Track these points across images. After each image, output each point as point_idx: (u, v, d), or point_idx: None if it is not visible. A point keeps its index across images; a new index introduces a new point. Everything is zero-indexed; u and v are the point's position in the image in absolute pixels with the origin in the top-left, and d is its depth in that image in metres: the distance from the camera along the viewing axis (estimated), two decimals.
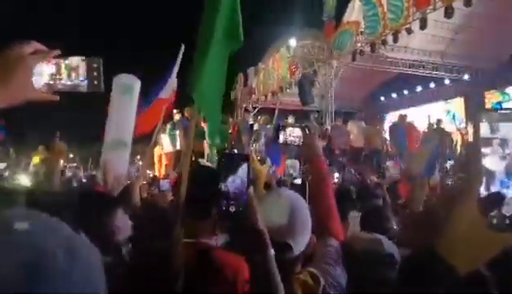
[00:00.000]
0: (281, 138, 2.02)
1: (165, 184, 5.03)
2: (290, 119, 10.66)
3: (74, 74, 0.97)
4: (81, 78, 0.97)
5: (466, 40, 12.07)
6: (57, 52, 0.95)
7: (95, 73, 0.98)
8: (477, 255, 0.54)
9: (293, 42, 13.10)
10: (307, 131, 1.87)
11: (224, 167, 1.14)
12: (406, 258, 0.63)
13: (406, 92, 16.40)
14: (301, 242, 1.29)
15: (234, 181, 1.12)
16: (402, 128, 10.34)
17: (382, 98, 17.69)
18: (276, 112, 9.39)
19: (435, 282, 0.54)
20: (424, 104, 15.17)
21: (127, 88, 2.59)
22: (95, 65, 0.99)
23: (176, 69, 4.88)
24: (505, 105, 12.75)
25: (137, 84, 2.62)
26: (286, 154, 8.61)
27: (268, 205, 1.33)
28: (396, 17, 9.97)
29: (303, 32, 13.20)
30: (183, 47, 4.51)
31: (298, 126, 1.97)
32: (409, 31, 9.90)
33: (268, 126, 10.22)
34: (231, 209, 1.10)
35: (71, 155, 16.07)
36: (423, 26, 9.47)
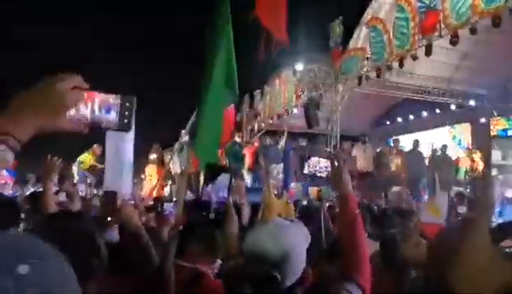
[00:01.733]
0: (307, 169, 2.01)
1: (169, 208, 5.02)
2: (302, 142, 10.78)
3: (105, 110, 0.95)
4: (113, 116, 0.95)
5: (472, 67, 12.19)
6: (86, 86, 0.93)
7: (126, 113, 0.96)
8: (488, 283, 0.54)
9: (299, 66, 13.29)
10: (336, 163, 1.69)
11: (207, 177, 1.19)
12: (421, 286, 0.63)
13: (411, 117, 16.45)
14: (290, 275, 1.26)
15: (215, 191, 1.19)
16: (418, 154, 10.33)
17: (387, 122, 17.75)
18: (285, 134, 9.52)
19: None
20: (430, 130, 15.19)
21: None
22: (127, 104, 0.96)
23: None
24: (510, 132, 12.74)
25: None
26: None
27: (261, 233, 1.30)
28: (402, 43, 10.11)
29: (309, 56, 13.39)
30: None
31: (325, 157, 1.96)
32: (414, 57, 10.02)
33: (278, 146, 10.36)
34: (210, 216, 1.15)
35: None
36: (428, 53, 9.59)
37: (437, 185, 6.19)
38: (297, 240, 1.32)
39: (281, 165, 10.23)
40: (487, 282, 0.55)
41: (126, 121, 0.96)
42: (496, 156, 11.27)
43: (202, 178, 8.31)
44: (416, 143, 10.77)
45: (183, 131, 9.54)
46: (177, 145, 9.69)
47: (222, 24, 1.86)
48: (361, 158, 10.50)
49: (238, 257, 1.16)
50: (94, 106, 0.95)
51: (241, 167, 9.42)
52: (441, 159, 10.44)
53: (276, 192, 5.97)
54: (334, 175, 1.66)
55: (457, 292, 0.54)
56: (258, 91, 16.25)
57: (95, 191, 11.49)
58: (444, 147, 11.22)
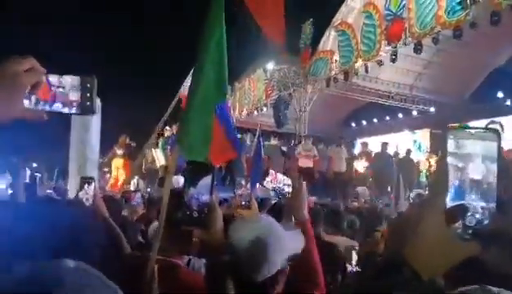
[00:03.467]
0: (268, 184, 2.00)
1: (137, 199, 5.02)
2: (274, 141, 10.99)
3: (65, 94, 0.89)
4: (73, 99, 0.89)
5: (433, 75, 12.78)
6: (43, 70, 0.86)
7: (88, 95, 0.89)
8: (442, 262, 0.58)
9: (270, 65, 13.47)
10: (297, 187, 1.71)
11: (190, 176, 1.18)
12: (377, 262, 0.68)
13: (375, 120, 17.00)
14: (262, 271, 1.28)
15: (198, 189, 1.17)
16: (387, 156, 10.72)
17: (353, 124, 18.26)
18: (258, 131, 9.68)
19: (400, 286, 0.56)
20: (392, 133, 15.76)
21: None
22: (88, 85, 0.90)
23: None
24: None
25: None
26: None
27: (240, 230, 1.33)
28: (368, 49, 10.48)
29: (280, 56, 13.59)
30: None
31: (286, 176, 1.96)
32: (380, 63, 10.41)
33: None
34: (194, 214, 1.07)
35: (35, 164, 15.57)
36: (393, 59, 9.99)
37: (401, 187, 6.52)
38: (273, 234, 1.34)
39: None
40: (442, 260, 0.58)
41: (88, 103, 0.90)
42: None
43: (182, 180, 8.29)
44: (385, 145, 11.18)
45: (167, 128, 9.54)
46: (161, 141, 9.65)
47: (216, 20, 1.91)
48: (336, 158, 10.90)
49: (223, 254, 1.20)
50: (52, 90, 0.88)
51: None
52: (405, 162, 10.91)
53: (243, 202, 6.04)
54: (295, 200, 1.68)
55: (413, 268, 0.57)
56: (229, 86, 16.29)
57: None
58: (408, 151, 11.73)
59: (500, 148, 0.57)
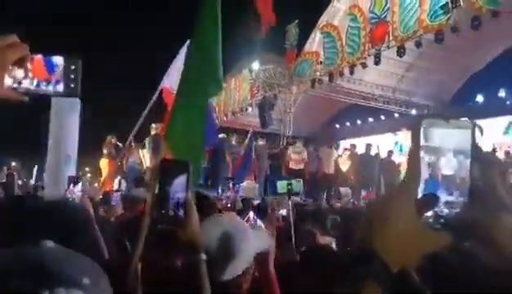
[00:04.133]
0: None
1: (115, 199, 4.93)
2: (261, 141, 11.03)
3: (48, 74, 0.85)
4: (56, 79, 0.86)
5: (415, 78, 13.03)
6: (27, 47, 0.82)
7: (72, 76, 0.86)
8: (411, 253, 0.56)
9: (256, 65, 13.51)
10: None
11: (165, 173, 1.10)
12: (345, 252, 0.67)
13: (358, 122, 17.21)
14: (229, 269, 1.29)
15: (174, 187, 1.10)
16: (371, 157, 10.89)
17: (337, 126, 18.43)
18: (251, 133, 9.78)
19: (368, 277, 0.54)
20: (375, 135, 15.97)
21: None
22: (73, 67, 0.87)
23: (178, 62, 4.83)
24: None
25: (78, 104, 2.66)
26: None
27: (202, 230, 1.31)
28: (353, 51, 10.62)
29: (266, 56, 13.64)
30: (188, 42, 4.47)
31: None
32: (364, 65, 10.56)
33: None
34: (169, 213, 1.08)
35: (13, 163, 15.25)
36: (377, 62, 10.15)
37: (381, 187, 6.62)
38: (236, 234, 1.34)
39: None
40: (412, 251, 0.56)
41: (72, 85, 0.87)
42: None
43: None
44: (369, 147, 11.34)
45: (153, 125, 9.40)
46: (147, 140, 9.51)
47: (211, 14, 1.91)
48: (326, 160, 11.09)
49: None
50: (34, 70, 0.84)
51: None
52: (386, 163, 11.10)
53: (228, 204, 6.05)
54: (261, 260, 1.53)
55: (382, 259, 0.55)
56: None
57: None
58: (390, 152, 11.91)
59: (474, 140, 0.55)
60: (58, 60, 0.86)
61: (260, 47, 13.68)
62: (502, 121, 12.15)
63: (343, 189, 9.36)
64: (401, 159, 13.47)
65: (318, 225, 3.87)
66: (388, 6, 9.64)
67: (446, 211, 0.54)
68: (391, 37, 9.77)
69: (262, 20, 10.44)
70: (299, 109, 13.93)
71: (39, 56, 0.86)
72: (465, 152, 0.54)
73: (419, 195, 0.55)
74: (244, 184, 9.48)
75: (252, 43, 12.33)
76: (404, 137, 15.49)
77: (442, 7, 8.48)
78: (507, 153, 10.05)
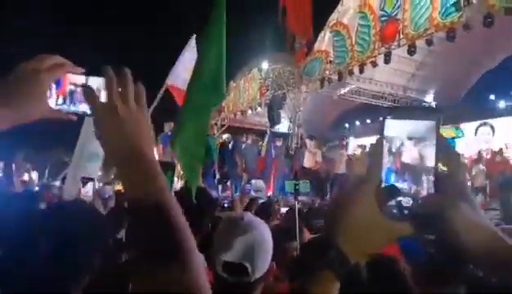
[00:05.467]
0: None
1: (108, 192, 4.95)
2: (278, 142, 11.15)
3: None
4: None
5: (426, 76, 12.89)
6: (81, 70, 0.85)
7: None
8: (372, 242, 0.56)
9: (265, 64, 13.50)
10: None
11: None
12: (306, 244, 0.66)
13: (368, 121, 17.10)
14: (260, 267, 1.29)
15: None
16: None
17: (346, 125, 18.34)
18: (269, 133, 9.90)
19: (324, 267, 0.55)
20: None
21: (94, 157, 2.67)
22: None
23: (183, 58, 4.81)
24: (458, 140, 13.61)
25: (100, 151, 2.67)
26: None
27: (232, 227, 1.34)
28: (363, 50, 10.54)
29: (275, 56, 13.62)
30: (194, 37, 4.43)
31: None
32: (374, 64, 10.47)
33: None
34: None
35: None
36: (387, 60, 10.06)
37: None
38: (264, 233, 1.36)
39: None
40: (371, 241, 0.56)
41: None
42: None
43: None
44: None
45: (166, 124, 9.49)
46: (159, 137, 9.60)
47: (216, 23, 1.91)
48: (339, 161, 11.21)
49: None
50: (76, 90, 0.85)
51: (215, 159, 9.53)
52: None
53: (225, 204, 6.06)
54: None
55: (340, 248, 0.56)
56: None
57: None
58: None
59: (439, 131, 0.55)
60: (99, 81, 0.85)
61: (270, 47, 13.68)
62: None
63: None
64: None
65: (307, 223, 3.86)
66: (399, 3, 9.55)
67: (406, 200, 0.54)
68: (401, 36, 9.67)
69: (297, 36, 10.53)
70: (309, 109, 13.89)
71: (81, 78, 0.87)
72: (428, 142, 0.55)
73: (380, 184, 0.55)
74: (255, 183, 9.50)
75: (261, 43, 12.34)
76: None
77: (453, 5, 8.38)
78: None
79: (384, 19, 9.96)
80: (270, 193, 9.80)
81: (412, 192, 0.55)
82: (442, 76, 12.51)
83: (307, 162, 11.01)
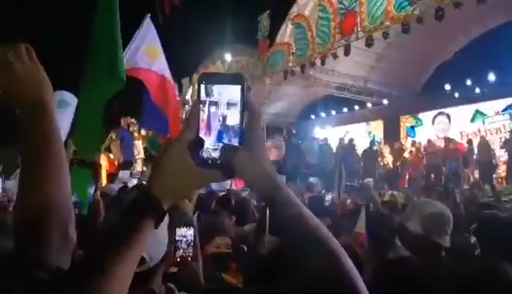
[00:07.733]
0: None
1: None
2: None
3: None
4: None
5: (386, 68, 13.21)
6: None
7: None
8: (183, 186, 0.64)
9: (228, 56, 13.46)
10: None
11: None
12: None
13: (333, 112, 17.36)
14: (155, 256, 1.31)
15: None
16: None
17: (312, 116, 18.53)
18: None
19: (143, 216, 0.62)
20: (349, 125, 16.19)
21: (63, 103, 2.62)
22: None
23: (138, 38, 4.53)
24: (417, 130, 14.07)
25: (74, 101, 2.64)
26: None
27: None
28: (323, 42, 10.69)
29: (238, 48, 13.60)
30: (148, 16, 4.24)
31: None
32: (334, 56, 10.65)
33: None
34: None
35: None
36: (347, 52, 10.25)
37: (343, 176, 6.71)
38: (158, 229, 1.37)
39: None
40: (183, 185, 0.64)
41: None
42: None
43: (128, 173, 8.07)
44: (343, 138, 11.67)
45: (123, 118, 9.24)
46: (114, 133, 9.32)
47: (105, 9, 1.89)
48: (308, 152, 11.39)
49: None
50: None
51: None
52: (368, 153, 11.40)
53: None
54: None
55: (155, 196, 0.62)
56: (187, 78, 16.09)
57: None
58: (371, 143, 12.23)
59: (244, 92, 0.61)
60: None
61: (233, 39, 13.64)
62: (469, 109, 12.49)
63: (313, 179, 9.48)
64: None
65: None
66: None
67: (213, 149, 0.61)
68: (359, 28, 9.88)
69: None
70: (275, 101, 13.98)
71: None
72: (238, 104, 0.61)
73: (216, 145, 0.61)
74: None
75: (224, 35, 12.28)
76: (376, 127, 15.79)
77: None
78: (469, 141, 10.37)
79: (342, 12, 10.14)
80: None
81: (212, 147, 0.62)
82: (401, 67, 12.85)
83: (272, 155, 11.13)
